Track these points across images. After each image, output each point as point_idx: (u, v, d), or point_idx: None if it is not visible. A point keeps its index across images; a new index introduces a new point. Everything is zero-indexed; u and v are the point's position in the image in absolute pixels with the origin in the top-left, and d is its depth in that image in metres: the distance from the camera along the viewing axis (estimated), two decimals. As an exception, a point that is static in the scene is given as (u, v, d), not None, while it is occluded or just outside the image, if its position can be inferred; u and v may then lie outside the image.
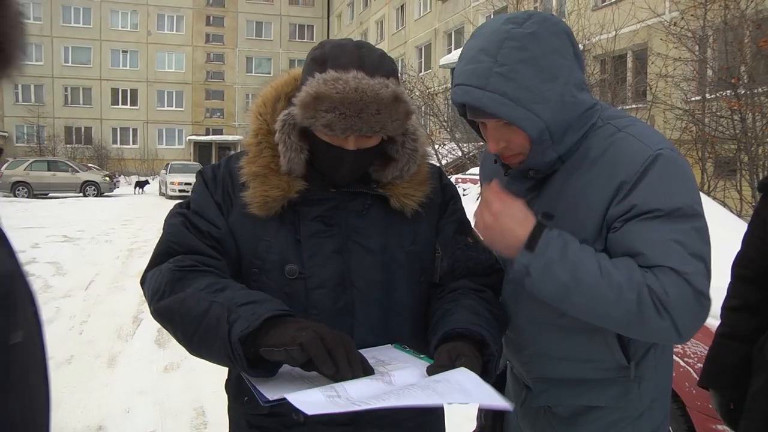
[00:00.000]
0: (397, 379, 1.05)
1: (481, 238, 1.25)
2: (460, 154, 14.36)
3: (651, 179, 1.17)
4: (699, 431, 2.63)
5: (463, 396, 0.98)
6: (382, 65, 1.17)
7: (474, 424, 1.68)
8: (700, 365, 1.74)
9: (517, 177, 1.34)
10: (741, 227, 2.56)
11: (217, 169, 1.32)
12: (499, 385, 1.60)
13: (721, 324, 1.68)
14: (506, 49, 1.18)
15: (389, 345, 1.23)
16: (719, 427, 2.46)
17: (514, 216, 1.19)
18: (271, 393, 1.00)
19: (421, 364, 1.11)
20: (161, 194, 26.02)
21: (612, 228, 1.20)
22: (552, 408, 1.39)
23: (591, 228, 1.23)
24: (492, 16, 1.46)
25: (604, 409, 1.33)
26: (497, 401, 0.99)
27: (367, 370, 1.04)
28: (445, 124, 14.77)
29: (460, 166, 13.86)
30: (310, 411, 0.91)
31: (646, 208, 1.16)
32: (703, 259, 1.15)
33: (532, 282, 1.16)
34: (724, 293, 1.68)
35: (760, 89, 8.10)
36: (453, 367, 1.05)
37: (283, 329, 1.03)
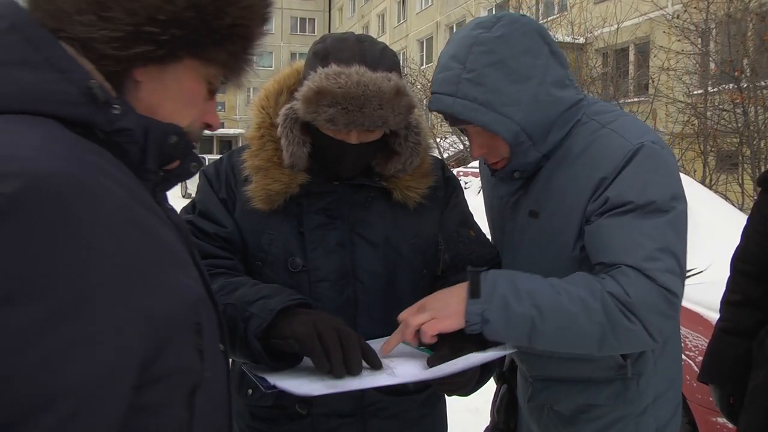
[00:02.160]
0: (399, 371, 1.06)
1: (428, 333, 1.09)
2: (461, 147, 14.34)
3: (628, 172, 1.16)
4: (699, 424, 2.64)
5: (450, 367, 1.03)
6: (384, 59, 1.17)
7: (476, 418, 1.68)
8: (701, 358, 1.74)
9: (504, 179, 1.33)
10: (742, 221, 2.56)
11: (219, 165, 1.32)
12: (509, 380, 1.61)
13: (720, 318, 1.67)
14: (474, 54, 1.18)
15: (389, 337, 1.23)
16: (719, 420, 2.47)
17: (442, 292, 1.15)
18: (273, 380, 1.01)
19: (422, 356, 1.11)
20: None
21: (587, 222, 1.19)
22: (553, 406, 1.39)
23: (574, 226, 1.22)
24: (494, 10, 1.45)
25: (604, 407, 1.32)
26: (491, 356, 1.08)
27: (374, 366, 1.03)
28: (446, 117, 14.73)
29: (461, 159, 13.84)
30: (302, 392, 0.96)
31: (620, 201, 1.14)
32: (674, 254, 1.12)
33: (492, 329, 1.09)
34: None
35: (762, 82, 8.07)
36: (453, 358, 1.06)
37: (289, 321, 1.04)
